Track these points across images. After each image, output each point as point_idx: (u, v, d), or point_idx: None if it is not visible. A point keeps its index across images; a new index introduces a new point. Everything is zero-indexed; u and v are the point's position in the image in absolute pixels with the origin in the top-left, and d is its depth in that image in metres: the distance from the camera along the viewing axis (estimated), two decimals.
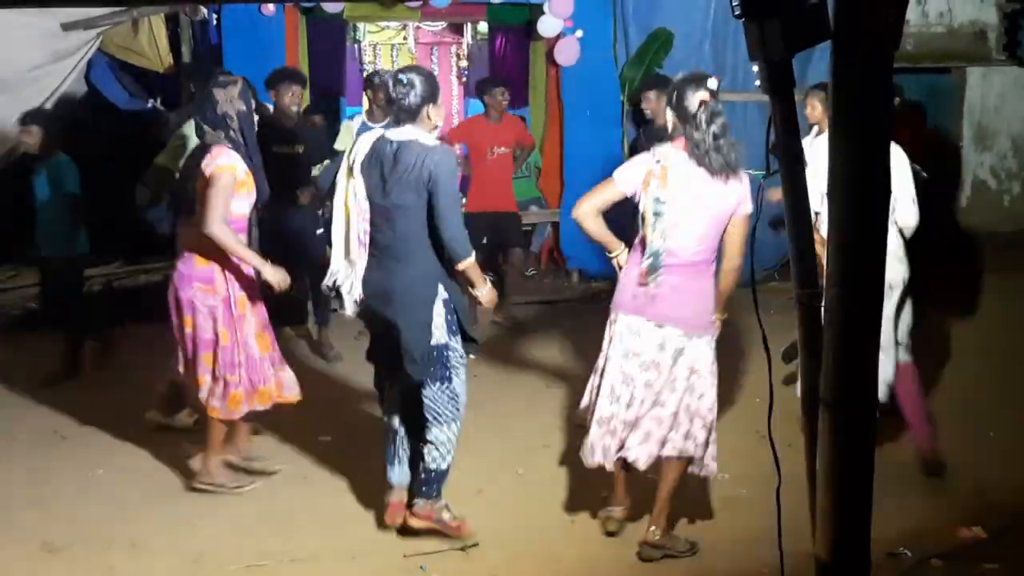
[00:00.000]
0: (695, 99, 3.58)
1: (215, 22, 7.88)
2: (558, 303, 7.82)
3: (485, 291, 3.86)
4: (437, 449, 3.80)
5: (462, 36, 12.03)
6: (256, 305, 4.34)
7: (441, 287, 3.76)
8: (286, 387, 4.44)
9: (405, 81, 3.69)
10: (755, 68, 1.89)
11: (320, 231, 6.17)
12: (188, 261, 4.23)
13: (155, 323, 6.80)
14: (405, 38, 12.57)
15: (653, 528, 3.80)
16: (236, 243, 4.10)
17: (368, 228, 3.77)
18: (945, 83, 8.66)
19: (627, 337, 3.73)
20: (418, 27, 11.95)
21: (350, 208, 3.79)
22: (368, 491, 4.06)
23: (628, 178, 3.73)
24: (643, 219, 3.68)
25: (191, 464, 4.49)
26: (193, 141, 5.24)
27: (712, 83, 3.64)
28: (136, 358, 6.00)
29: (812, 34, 1.81)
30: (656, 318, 3.68)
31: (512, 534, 4.01)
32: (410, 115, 3.70)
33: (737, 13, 1.83)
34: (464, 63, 12.54)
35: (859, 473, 1.90)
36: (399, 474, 3.94)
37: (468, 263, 3.74)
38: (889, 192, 1.83)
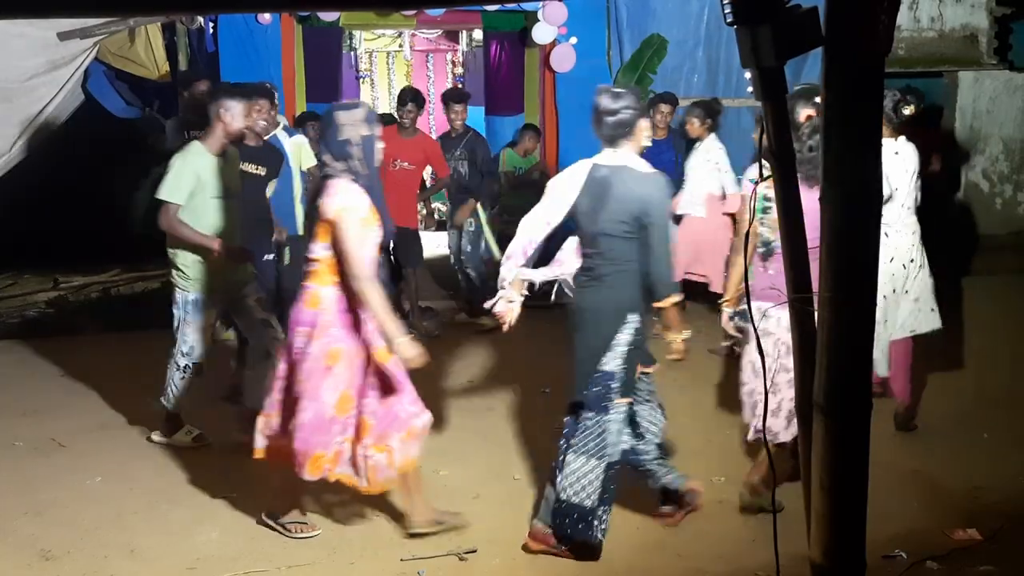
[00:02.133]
0: (803, 113, 3.98)
1: (211, 31, 7.91)
2: (555, 307, 7.81)
3: (678, 340, 3.78)
4: (567, 478, 3.73)
5: (457, 43, 12.09)
6: (352, 362, 3.77)
7: (634, 317, 3.70)
8: (361, 472, 3.81)
9: (617, 96, 3.71)
10: (747, 75, 1.92)
11: (271, 256, 5.72)
12: (298, 306, 3.82)
13: (152, 330, 6.82)
14: (401, 46, 12.62)
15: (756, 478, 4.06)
16: (381, 304, 3.66)
17: (536, 245, 3.83)
18: (937, 87, 8.70)
19: (758, 319, 3.81)
20: (413, 35, 12.00)
21: (533, 222, 3.84)
22: (367, 497, 4.06)
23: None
24: (753, 215, 3.85)
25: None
26: (188, 170, 4.68)
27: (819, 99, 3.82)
28: (133, 365, 5.99)
29: (803, 41, 1.83)
30: (774, 299, 3.78)
31: (509, 539, 4.01)
32: (626, 131, 3.70)
33: (729, 20, 1.85)
34: (460, 70, 12.59)
35: (854, 476, 1.91)
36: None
37: (669, 303, 3.68)
38: (881, 196, 1.85)
